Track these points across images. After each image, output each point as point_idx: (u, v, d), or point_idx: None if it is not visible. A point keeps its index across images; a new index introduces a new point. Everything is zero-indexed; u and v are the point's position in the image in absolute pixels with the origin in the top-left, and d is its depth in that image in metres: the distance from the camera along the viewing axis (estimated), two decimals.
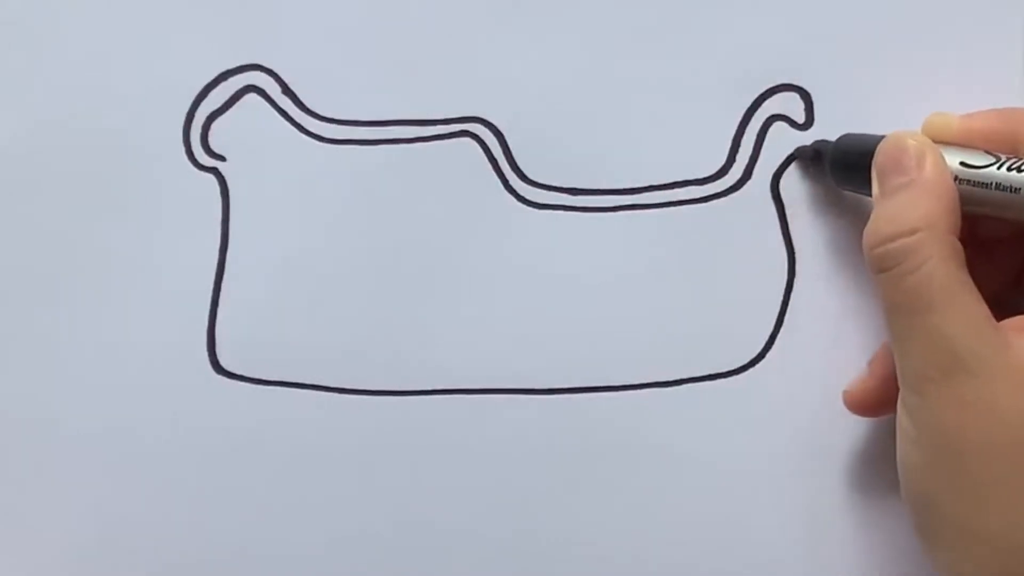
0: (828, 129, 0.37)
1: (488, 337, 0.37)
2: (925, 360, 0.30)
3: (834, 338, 0.37)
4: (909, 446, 0.31)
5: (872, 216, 0.32)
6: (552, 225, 0.38)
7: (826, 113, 0.37)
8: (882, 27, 0.37)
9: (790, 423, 0.37)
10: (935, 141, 0.33)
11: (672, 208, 0.37)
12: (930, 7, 0.37)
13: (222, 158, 0.38)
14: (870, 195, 0.33)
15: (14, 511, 0.38)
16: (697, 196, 0.37)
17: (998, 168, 0.32)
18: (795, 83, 0.37)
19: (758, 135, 0.37)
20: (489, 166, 0.38)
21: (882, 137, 0.34)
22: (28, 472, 0.38)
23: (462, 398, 0.37)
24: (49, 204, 0.38)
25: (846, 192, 0.37)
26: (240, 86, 0.38)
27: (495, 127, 0.38)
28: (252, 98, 0.38)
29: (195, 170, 0.38)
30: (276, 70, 0.38)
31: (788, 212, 0.37)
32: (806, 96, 0.37)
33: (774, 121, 0.37)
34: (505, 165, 0.38)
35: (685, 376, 0.37)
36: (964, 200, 0.32)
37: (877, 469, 0.37)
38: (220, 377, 0.38)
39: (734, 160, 0.37)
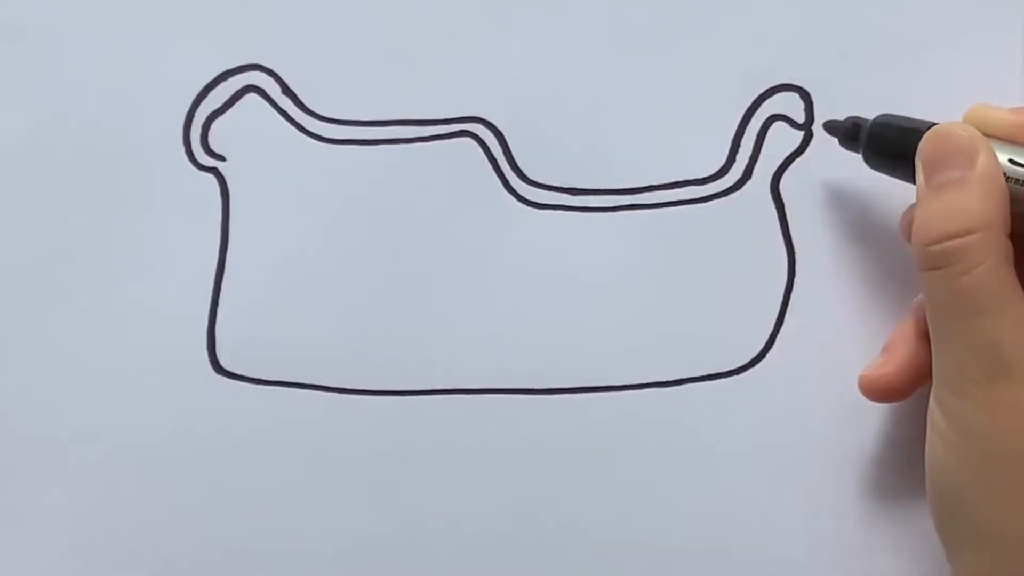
0: None
1: (488, 337, 0.37)
2: (969, 362, 0.30)
3: (834, 338, 0.37)
4: (942, 446, 0.31)
5: (921, 210, 0.32)
6: (552, 225, 0.38)
7: (826, 113, 0.37)
8: (882, 27, 0.37)
9: (790, 423, 0.37)
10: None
11: (672, 208, 0.37)
12: (930, 7, 0.37)
13: (222, 158, 0.38)
14: (907, 181, 0.33)
15: (14, 511, 0.38)
16: (697, 196, 0.37)
17: None
18: (795, 83, 0.37)
19: (758, 135, 0.37)
20: (489, 166, 0.38)
21: (924, 122, 0.33)
22: (28, 472, 0.38)
23: (462, 398, 0.37)
24: (49, 204, 0.38)
25: (846, 190, 0.37)
26: (240, 86, 0.38)
27: (495, 127, 0.38)
28: (252, 98, 0.38)
29: (195, 170, 0.38)
30: (276, 70, 0.38)
31: (788, 212, 0.37)
32: (806, 96, 0.37)
33: (774, 121, 0.37)
34: (505, 165, 0.38)
35: (685, 376, 0.37)
36: (1013, 199, 0.31)
37: (877, 469, 0.37)
38: (220, 377, 0.38)
39: (734, 160, 0.37)
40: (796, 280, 0.37)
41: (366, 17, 0.38)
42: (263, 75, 0.38)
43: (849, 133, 0.35)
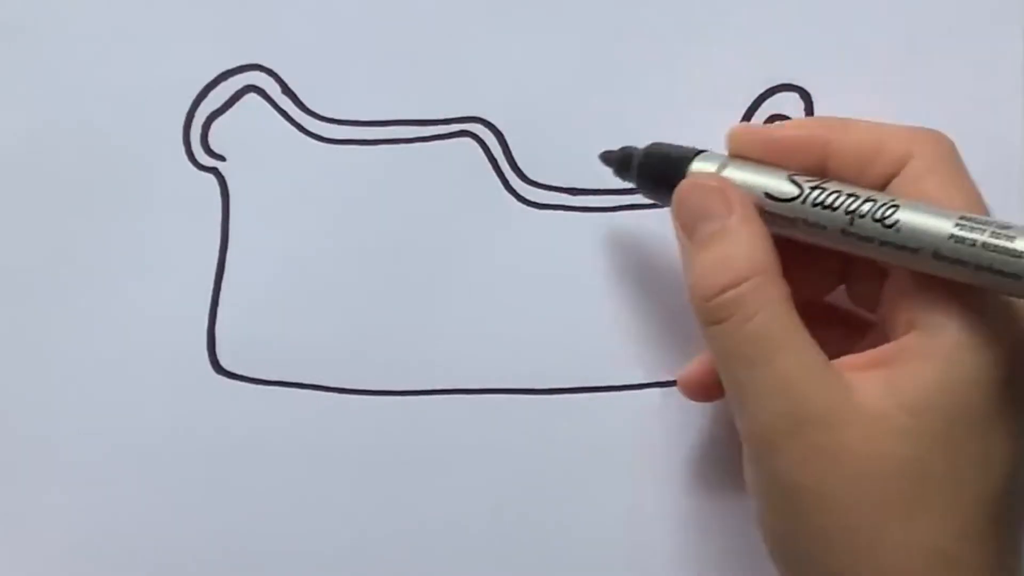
0: None
1: (488, 337, 0.37)
2: (773, 412, 0.29)
3: None
4: (767, 508, 0.30)
5: (692, 268, 0.31)
6: (552, 225, 0.38)
7: (826, 113, 0.37)
8: (882, 28, 0.37)
9: None
10: (739, 156, 0.32)
11: None
12: (930, 8, 0.37)
13: (222, 158, 0.38)
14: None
15: (14, 511, 0.38)
16: None
17: (802, 203, 0.30)
18: (795, 83, 0.37)
19: None
20: (489, 166, 0.38)
21: (692, 149, 0.33)
22: (28, 472, 0.38)
23: (462, 398, 0.37)
24: (49, 204, 0.38)
25: None
26: (240, 86, 0.38)
27: (495, 127, 0.38)
28: (252, 98, 0.38)
29: (195, 170, 0.38)
30: (276, 70, 0.38)
31: None
32: (806, 96, 0.37)
33: (774, 121, 0.37)
34: (505, 165, 0.38)
35: None
36: (772, 227, 0.31)
37: None
38: (220, 377, 0.38)
39: None
40: None
41: (366, 17, 0.38)
42: (263, 75, 0.38)
43: (622, 163, 0.34)
